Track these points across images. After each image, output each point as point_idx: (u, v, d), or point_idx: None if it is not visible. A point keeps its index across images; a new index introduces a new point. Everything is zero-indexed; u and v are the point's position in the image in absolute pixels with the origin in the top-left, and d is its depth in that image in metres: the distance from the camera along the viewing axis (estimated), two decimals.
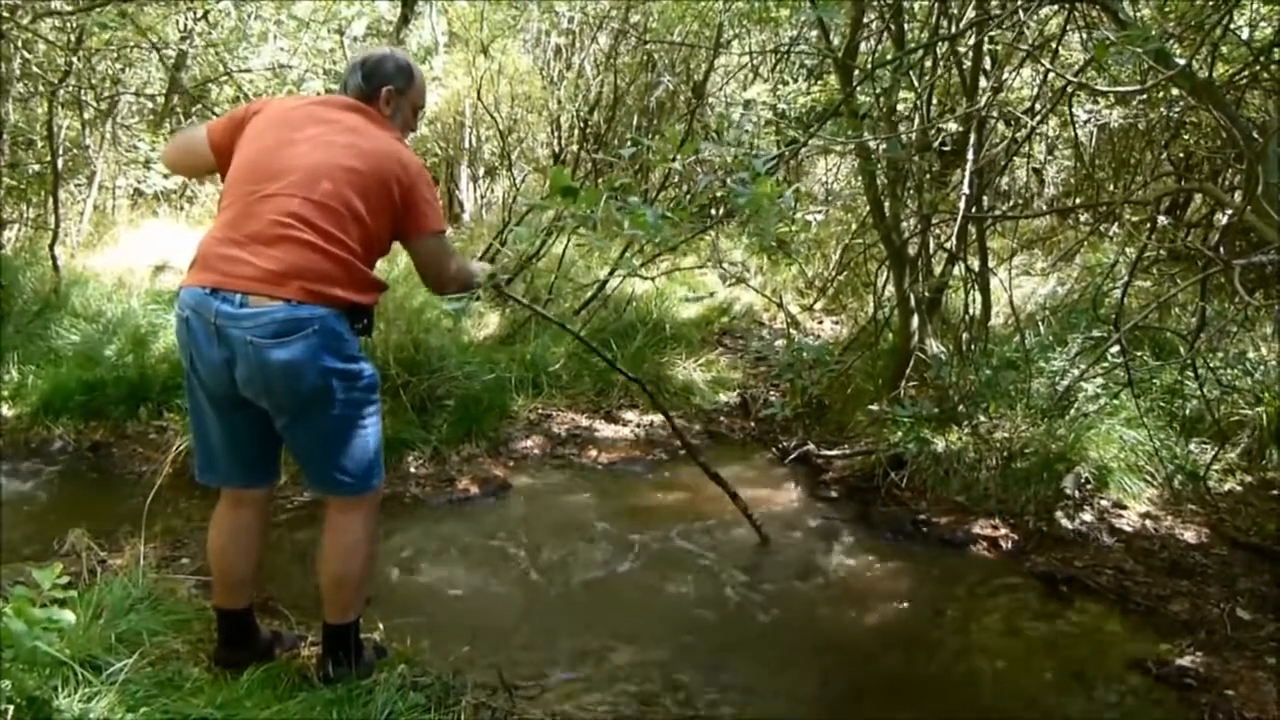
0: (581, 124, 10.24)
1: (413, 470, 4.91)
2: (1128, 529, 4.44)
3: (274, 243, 2.46)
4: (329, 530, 2.74)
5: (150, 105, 10.35)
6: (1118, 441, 4.84)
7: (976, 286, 5.57)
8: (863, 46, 5.58)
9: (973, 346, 5.50)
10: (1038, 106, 5.31)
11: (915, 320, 5.38)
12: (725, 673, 3.31)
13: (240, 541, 2.77)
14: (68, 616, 2.18)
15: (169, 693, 2.50)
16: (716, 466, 5.30)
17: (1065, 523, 4.43)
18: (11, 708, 2.13)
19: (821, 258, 9.73)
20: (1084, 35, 5.13)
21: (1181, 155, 7.72)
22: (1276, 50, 4.10)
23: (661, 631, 3.58)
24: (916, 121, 5.61)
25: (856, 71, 5.11)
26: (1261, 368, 5.31)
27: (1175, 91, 5.39)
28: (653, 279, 7.14)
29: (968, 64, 5.34)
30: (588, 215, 2.62)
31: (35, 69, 7.89)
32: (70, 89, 7.78)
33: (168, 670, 2.66)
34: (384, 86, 2.76)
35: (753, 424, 6.03)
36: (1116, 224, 8.23)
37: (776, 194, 2.73)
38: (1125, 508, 4.61)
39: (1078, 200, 9.64)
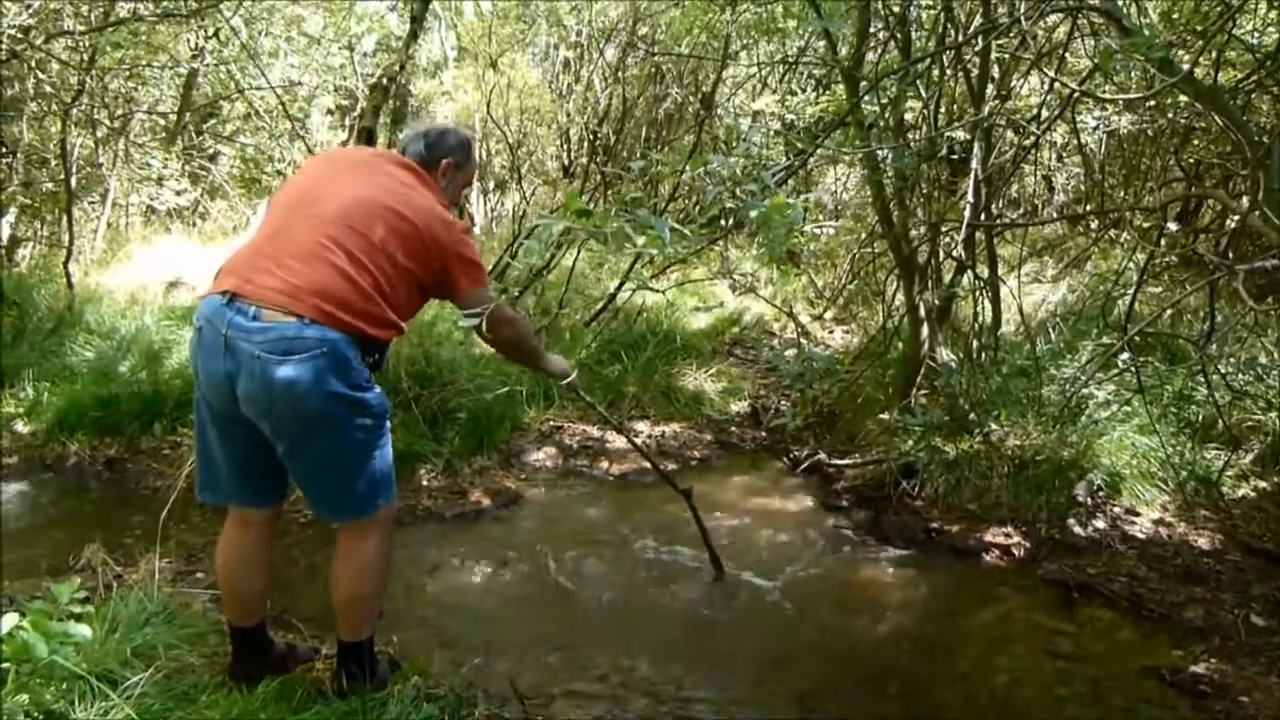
0: (590, 137, 10.30)
1: (425, 483, 4.93)
2: (1140, 535, 4.43)
3: (303, 259, 2.49)
4: (340, 553, 2.73)
5: (163, 123, 10.43)
6: (1130, 448, 4.83)
7: (986, 294, 5.57)
8: (869, 56, 5.60)
9: (983, 354, 5.50)
10: (1044, 114, 5.31)
11: (925, 329, 5.38)
12: (736, 683, 3.31)
13: (248, 562, 2.77)
14: (84, 631, 2.20)
15: (184, 706, 2.52)
16: (727, 476, 5.33)
17: (1078, 530, 4.42)
18: None
19: (831, 267, 9.74)
20: (1091, 42, 5.13)
21: (1191, 161, 7.71)
22: None
23: (673, 641, 3.59)
24: (924, 130, 5.61)
25: (863, 81, 5.13)
26: (1273, 373, 5.28)
27: (1183, 97, 5.39)
28: (663, 291, 7.16)
29: (974, 72, 5.35)
30: (599, 230, 2.64)
31: (49, 88, 7.97)
32: (83, 108, 7.86)
33: (183, 684, 2.67)
34: (445, 158, 2.85)
35: (764, 434, 6.04)
36: (1126, 230, 8.21)
37: (786, 208, 2.75)
38: (1138, 514, 4.59)
39: (1087, 207, 9.62)
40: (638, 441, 3.92)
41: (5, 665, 2.11)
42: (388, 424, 2.69)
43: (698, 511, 4.04)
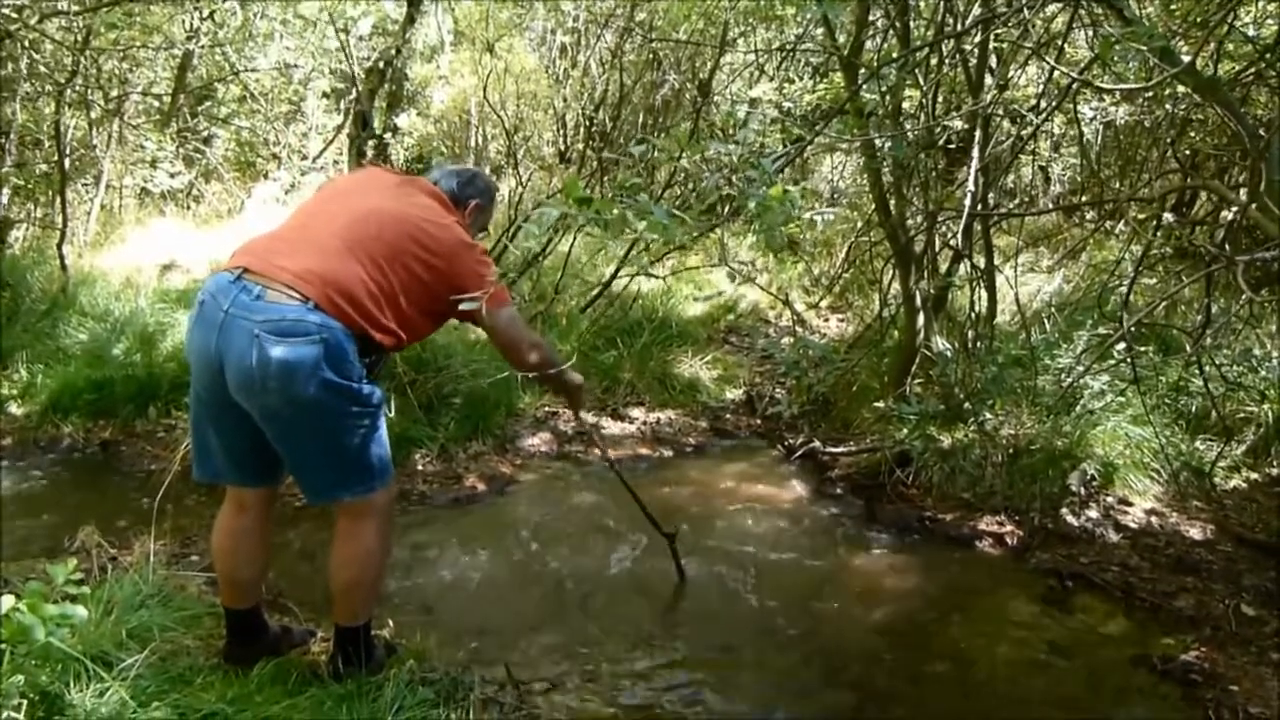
0: (587, 122, 10.27)
1: (420, 468, 4.93)
2: (1133, 526, 4.45)
3: (321, 250, 2.54)
4: (339, 537, 2.71)
5: (157, 105, 10.38)
6: (1123, 438, 4.84)
7: (982, 284, 5.57)
8: (868, 44, 5.59)
9: (978, 344, 5.50)
10: (1043, 104, 5.30)
11: (921, 318, 5.38)
12: (730, 670, 3.33)
13: (244, 545, 2.77)
14: (80, 612, 2.19)
15: (179, 688, 2.52)
16: (722, 463, 5.34)
17: (1071, 519, 4.44)
18: (25, 702, 2.15)
19: (827, 255, 9.74)
20: (1090, 33, 5.12)
21: (1188, 152, 7.71)
22: None
23: (667, 628, 3.60)
24: (922, 119, 5.61)
25: (862, 70, 5.11)
26: (1267, 364, 5.30)
27: (1181, 89, 5.39)
28: (661, 277, 7.16)
29: (973, 61, 5.34)
30: (599, 217, 2.64)
31: (42, 69, 7.91)
32: (77, 89, 7.81)
33: (178, 666, 2.68)
34: (473, 199, 3.02)
35: (759, 421, 6.04)
36: (1122, 221, 8.23)
37: (784, 197, 2.74)
38: (1131, 504, 4.61)
39: (1084, 197, 9.63)
40: (623, 474, 3.95)
41: (1, 646, 2.11)
42: (382, 413, 2.68)
43: (679, 557, 3.93)
